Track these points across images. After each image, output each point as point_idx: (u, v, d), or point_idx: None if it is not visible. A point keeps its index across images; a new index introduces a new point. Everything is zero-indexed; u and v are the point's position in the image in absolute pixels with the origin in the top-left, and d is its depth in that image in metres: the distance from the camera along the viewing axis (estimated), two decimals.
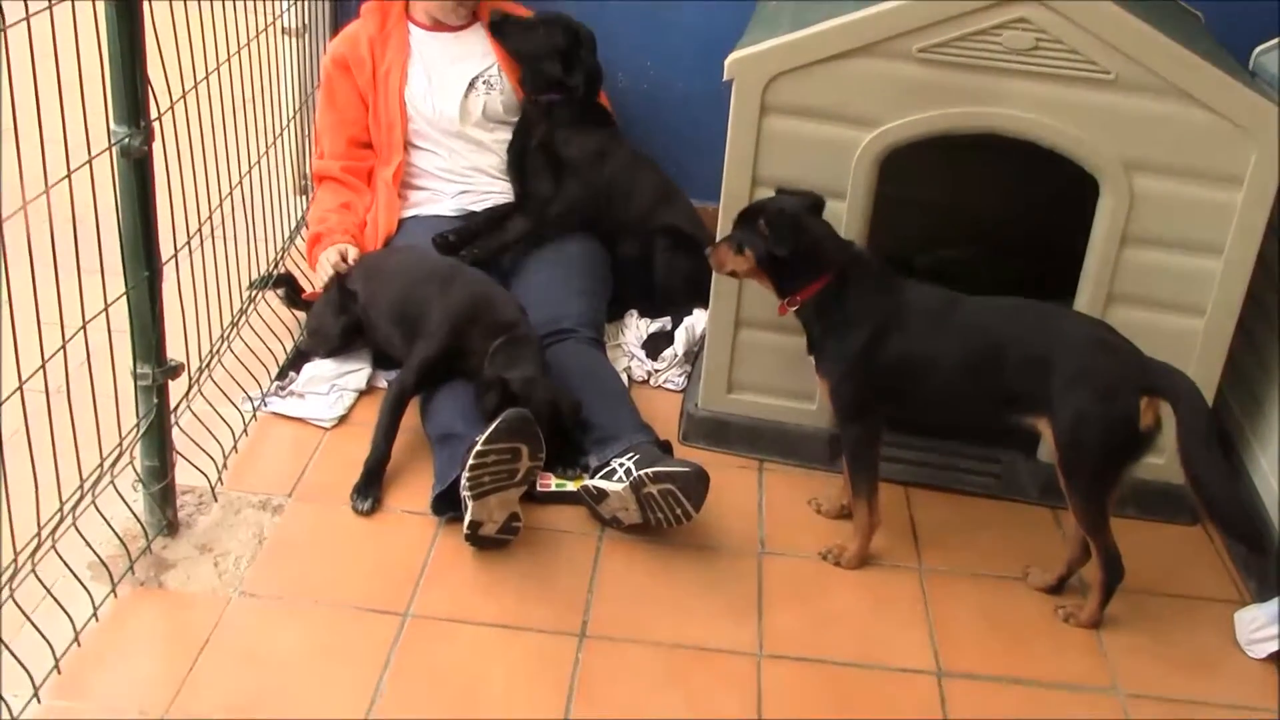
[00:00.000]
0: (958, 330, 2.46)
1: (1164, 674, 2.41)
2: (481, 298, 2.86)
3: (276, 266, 3.36)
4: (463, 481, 2.47)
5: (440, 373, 2.81)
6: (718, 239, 2.62)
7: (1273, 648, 2.42)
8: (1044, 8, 2.47)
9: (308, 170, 3.70)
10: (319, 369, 3.05)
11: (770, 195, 2.61)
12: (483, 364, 2.74)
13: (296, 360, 3.08)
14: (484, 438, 2.44)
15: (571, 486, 2.71)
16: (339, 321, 3.05)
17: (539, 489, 2.70)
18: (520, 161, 3.37)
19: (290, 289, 3.31)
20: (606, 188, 3.35)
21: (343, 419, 2.96)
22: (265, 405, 2.96)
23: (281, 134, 3.41)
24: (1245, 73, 2.82)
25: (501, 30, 3.36)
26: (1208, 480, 2.23)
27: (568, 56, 3.32)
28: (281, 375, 3.03)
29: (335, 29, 3.60)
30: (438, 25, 3.43)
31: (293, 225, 3.62)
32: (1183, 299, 2.66)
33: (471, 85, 3.41)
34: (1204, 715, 2.32)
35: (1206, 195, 2.57)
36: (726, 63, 2.64)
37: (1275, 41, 3.02)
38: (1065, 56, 2.50)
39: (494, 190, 3.43)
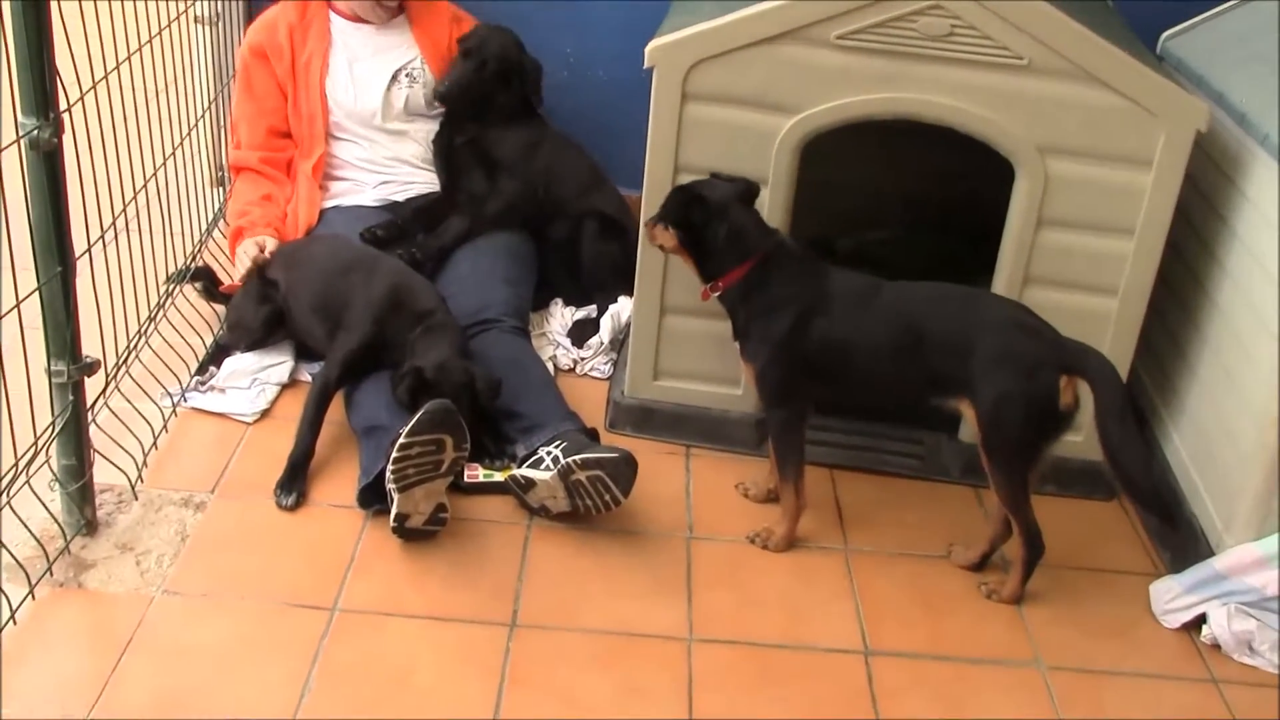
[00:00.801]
0: (880, 314, 2.49)
1: (1084, 645, 2.46)
2: (402, 288, 2.84)
3: (194, 259, 3.31)
4: (388, 474, 2.45)
5: (364, 365, 2.79)
6: (649, 221, 2.64)
7: (1186, 617, 2.49)
8: None
9: (224, 162, 3.65)
10: (240, 363, 3.01)
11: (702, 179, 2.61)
12: (405, 353, 2.73)
13: (217, 354, 3.04)
14: (407, 430, 2.43)
15: (499, 476, 2.70)
16: (260, 312, 3.02)
17: (466, 479, 2.69)
18: (448, 156, 3.35)
19: (208, 282, 3.26)
20: (542, 177, 3.34)
21: (265, 413, 2.92)
22: (185, 401, 2.92)
23: (196, 125, 3.36)
24: (1154, 58, 2.89)
25: (448, 98, 3.31)
26: (1124, 457, 2.28)
27: (514, 81, 3.31)
28: (202, 370, 2.99)
29: (249, 18, 3.54)
30: (359, 18, 3.39)
31: (210, 217, 3.57)
32: (1097, 280, 2.71)
33: (394, 78, 3.37)
34: (1123, 684, 2.38)
35: (1118, 178, 2.62)
36: (646, 50, 2.64)
37: (1182, 26, 3.09)
38: (979, 42, 2.54)
39: (416, 180, 3.41)
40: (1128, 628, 2.53)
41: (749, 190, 2.57)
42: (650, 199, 2.72)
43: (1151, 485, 2.34)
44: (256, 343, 3.04)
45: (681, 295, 2.81)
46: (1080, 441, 2.73)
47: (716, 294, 2.56)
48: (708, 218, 2.50)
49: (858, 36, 2.57)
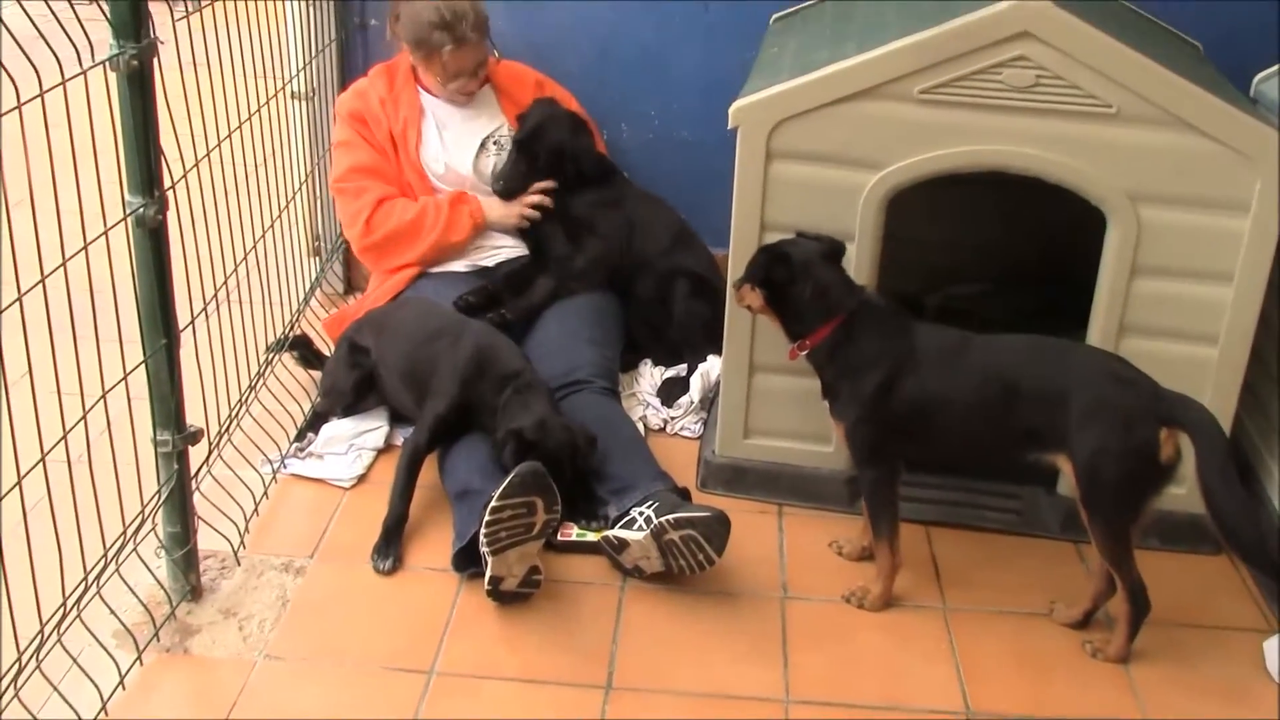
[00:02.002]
0: (971, 369, 2.46)
1: (1194, 705, 2.38)
2: (486, 350, 2.86)
3: (292, 328, 3.39)
4: (481, 537, 2.47)
5: (453, 429, 2.83)
6: (733, 284, 2.65)
7: None
8: (1042, 45, 2.49)
9: (320, 231, 3.74)
10: (337, 429, 3.06)
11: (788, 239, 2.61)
12: (495, 416, 2.76)
13: (314, 421, 3.10)
14: (498, 493, 2.45)
15: (592, 537, 2.71)
16: (351, 376, 3.07)
17: (560, 539, 2.70)
18: (532, 226, 3.40)
19: (305, 350, 3.33)
20: (626, 231, 3.38)
21: (362, 478, 2.97)
22: (285, 467, 2.97)
23: (293, 198, 3.44)
24: (1247, 100, 2.83)
25: (508, 189, 3.37)
26: (1227, 511, 2.21)
27: (560, 164, 3.34)
28: (300, 437, 3.05)
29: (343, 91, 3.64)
30: (449, 98, 3.45)
31: (307, 287, 3.64)
32: (1195, 328, 2.65)
33: (483, 145, 3.44)
34: None
35: (1214, 223, 2.57)
36: (731, 110, 2.66)
37: (1275, 69, 3.03)
38: (1066, 92, 2.52)
39: (505, 245, 3.45)
40: (1239, 687, 2.44)
41: (834, 248, 2.56)
42: (736, 257, 2.73)
43: (1258, 540, 2.26)
44: (349, 407, 3.08)
45: (770, 353, 2.81)
46: (1184, 494, 2.66)
47: (804, 353, 2.55)
48: (792, 277, 2.50)
49: (941, 90, 2.56)
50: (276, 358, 3.24)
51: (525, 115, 3.39)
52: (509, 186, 3.35)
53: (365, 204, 3.33)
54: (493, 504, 2.44)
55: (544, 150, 3.33)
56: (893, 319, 2.53)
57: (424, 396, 2.88)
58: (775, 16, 3.34)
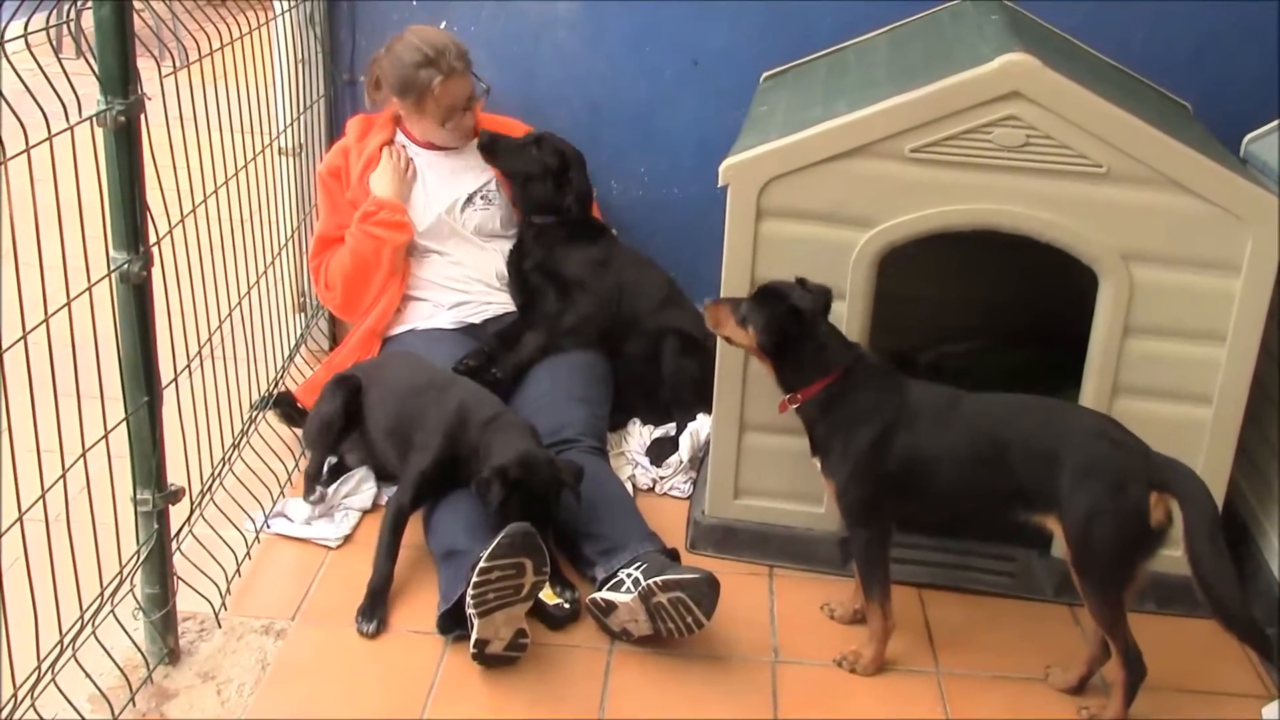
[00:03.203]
0: (963, 428, 2.47)
1: None
2: (468, 402, 2.87)
3: (276, 385, 3.39)
4: (467, 599, 2.46)
5: (437, 485, 2.82)
6: (712, 301, 2.63)
7: None
8: (1032, 104, 2.52)
9: (305, 288, 3.75)
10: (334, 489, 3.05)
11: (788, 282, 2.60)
12: (477, 462, 2.75)
13: (312, 479, 3.04)
14: (486, 554, 2.44)
15: (549, 600, 2.68)
16: (337, 398, 3.02)
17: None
18: (520, 279, 3.44)
19: (289, 407, 3.33)
20: (615, 293, 3.41)
21: (347, 538, 2.96)
22: (269, 527, 2.96)
23: (279, 254, 3.46)
24: (1236, 160, 2.87)
25: (491, 150, 3.44)
26: (1214, 581, 2.21)
27: (558, 177, 3.41)
28: (310, 490, 3.01)
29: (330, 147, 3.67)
30: (433, 145, 3.51)
31: (291, 343, 3.65)
32: (1189, 388, 2.67)
33: (469, 200, 3.49)
34: None
35: (1206, 283, 2.59)
36: (721, 169, 2.68)
37: (1265, 129, 3.08)
38: (1056, 151, 2.55)
39: (492, 301, 3.48)
40: None
41: (828, 300, 2.57)
42: None
43: (1244, 612, 2.25)
44: (342, 432, 3.04)
45: (761, 412, 2.81)
46: (1178, 557, 2.62)
47: (794, 406, 2.56)
48: (799, 331, 2.50)
49: (932, 149, 2.59)
50: (260, 415, 3.23)
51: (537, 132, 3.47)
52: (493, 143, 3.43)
53: (321, 272, 3.46)
54: (480, 565, 2.44)
55: (553, 151, 3.40)
56: (886, 376, 2.55)
57: (408, 452, 2.87)
58: (766, 74, 3.38)
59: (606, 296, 3.40)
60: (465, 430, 2.80)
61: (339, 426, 3.04)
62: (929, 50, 2.92)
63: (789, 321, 2.49)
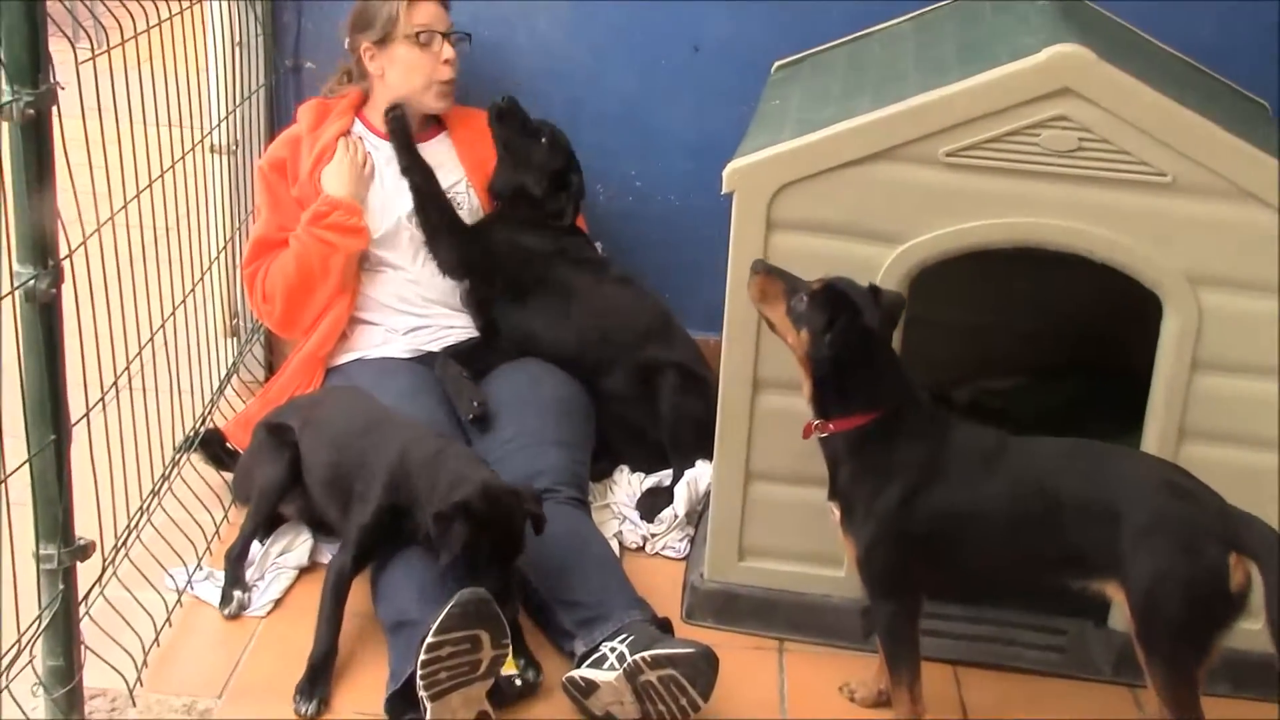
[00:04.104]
0: (1005, 479, 2.47)
1: None
2: (408, 442, 2.84)
3: (204, 422, 3.38)
4: (418, 678, 2.45)
5: (383, 542, 2.81)
6: (765, 269, 2.57)
7: None
8: (1086, 103, 2.53)
9: (238, 308, 3.75)
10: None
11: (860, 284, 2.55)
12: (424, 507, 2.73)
13: (244, 545, 3.01)
14: (435, 626, 2.42)
15: (509, 672, 2.65)
16: (281, 458, 3.02)
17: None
18: (482, 307, 3.50)
19: (217, 448, 3.32)
20: (600, 315, 3.43)
21: (278, 603, 2.95)
22: (192, 588, 2.95)
23: (210, 268, 3.47)
24: None
25: (502, 116, 3.49)
26: None
27: (555, 178, 3.46)
28: (234, 567, 2.97)
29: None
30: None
31: (223, 373, 3.64)
32: (1268, 432, 2.67)
33: None
34: None
35: None
36: (725, 173, 2.69)
37: None
38: (1113, 157, 2.56)
39: (454, 325, 3.50)
40: None
41: (898, 320, 2.57)
42: (733, 345, 2.76)
43: None
44: (284, 495, 3.03)
45: (771, 457, 2.82)
46: (1258, 630, 2.64)
47: (821, 435, 2.55)
48: (859, 352, 2.48)
49: (970, 153, 2.60)
50: (186, 457, 3.23)
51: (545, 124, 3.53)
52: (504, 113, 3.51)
53: (258, 282, 3.45)
54: (429, 640, 2.42)
55: (563, 151, 3.47)
56: (932, 418, 2.55)
57: (349, 506, 2.87)
58: (778, 64, 3.40)
59: (584, 327, 3.43)
60: (408, 474, 2.78)
61: (281, 494, 3.04)
62: (965, 39, 2.94)
63: (852, 337, 2.47)
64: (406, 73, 3.46)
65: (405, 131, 3.44)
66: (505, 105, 3.50)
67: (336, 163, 3.41)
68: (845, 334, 2.45)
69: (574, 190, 3.49)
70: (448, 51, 3.46)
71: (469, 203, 3.54)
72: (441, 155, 3.55)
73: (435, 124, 3.61)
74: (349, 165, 3.41)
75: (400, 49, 3.44)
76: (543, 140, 3.47)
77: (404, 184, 3.46)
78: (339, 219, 3.37)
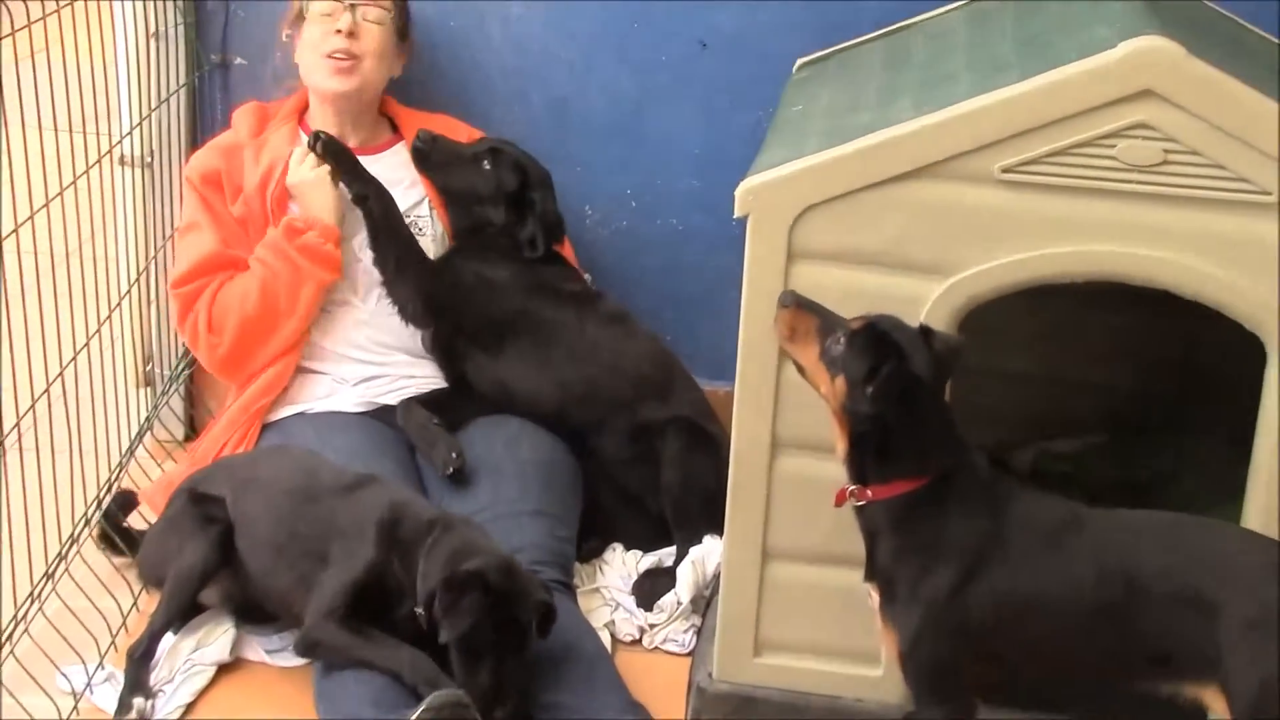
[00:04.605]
0: (1080, 558, 2.43)
1: None
2: (400, 499, 2.92)
3: (110, 489, 3.35)
4: None
5: (361, 611, 2.80)
6: (796, 302, 2.53)
7: None
8: (1173, 108, 2.50)
9: (152, 351, 3.75)
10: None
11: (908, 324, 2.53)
12: (411, 587, 2.76)
13: (152, 639, 2.97)
14: None
15: None
16: (206, 535, 3.00)
17: None
18: (449, 352, 3.49)
19: (113, 521, 3.28)
20: (583, 362, 3.43)
21: (190, 707, 2.92)
22: (90, 693, 2.91)
23: (120, 303, 3.45)
24: None
25: (427, 158, 3.47)
26: None
27: (517, 202, 3.45)
28: (137, 669, 2.93)
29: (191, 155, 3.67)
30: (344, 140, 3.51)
31: (134, 430, 3.63)
32: None
33: None
34: None
35: None
36: (738, 192, 2.65)
37: None
38: (1206, 172, 2.53)
39: (415, 374, 3.50)
40: None
41: (953, 367, 2.53)
42: (747, 396, 2.73)
43: None
44: (206, 579, 3.01)
45: (794, 530, 2.79)
46: None
47: (858, 503, 2.52)
48: (906, 406, 2.45)
49: (1032, 169, 2.57)
50: (88, 532, 3.20)
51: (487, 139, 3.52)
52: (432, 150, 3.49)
53: (202, 307, 3.41)
54: None
55: (512, 166, 3.45)
56: (991, 487, 2.52)
57: (312, 573, 2.89)
58: (801, 61, 3.40)
59: (574, 368, 3.43)
60: (401, 536, 2.83)
61: (207, 577, 3.01)
62: (1026, 33, 2.92)
63: (899, 387, 2.43)
64: (303, 52, 3.50)
65: (345, 153, 3.41)
66: (424, 145, 3.47)
67: (317, 176, 3.38)
68: (891, 383, 2.42)
69: (539, 210, 3.47)
70: (344, 20, 3.45)
71: (432, 229, 3.54)
72: (398, 170, 3.55)
73: (389, 132, 3.60)
74: (329, 182, 3.39)
75: (309, 28, 3.48)
76: (484, 165, 3.46)
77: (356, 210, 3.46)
78: (313, 241, 3.35)
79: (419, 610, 2.72)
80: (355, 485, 2.97)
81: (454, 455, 3.24)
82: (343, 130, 3.51)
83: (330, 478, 3.01)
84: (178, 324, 3.51)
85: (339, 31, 3.44)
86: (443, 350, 3.48)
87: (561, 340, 3.44)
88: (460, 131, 3.59)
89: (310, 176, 3.39)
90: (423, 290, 3.40)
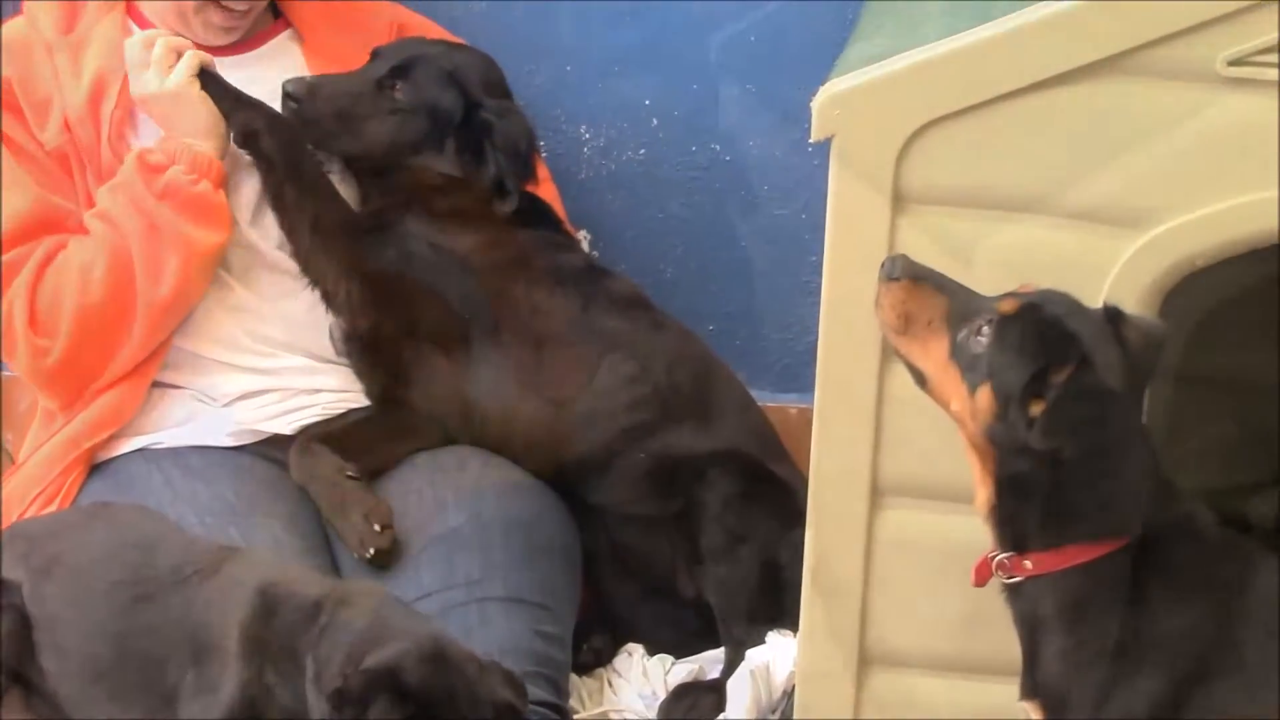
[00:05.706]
0: None
1: None
2: (269, 585, 2.90)
3: None
4: None
5: None
6: (910, 272, 2.52)
7: None
8: None
9: None
10: None
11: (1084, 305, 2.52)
12: (302, 705, 2.80)
13: None
14: None
15: None
16: None
17: None
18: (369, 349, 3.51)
19: None
20: (584, 368, 3.45)
21: None
22: None
23: None
24: None
25: (310, 119, 3.48)
26: None
27: (464, 131, 3.44)
28: None
29: None
30: (197, 41, 3.49)
31: None
32: None
33: None
34: None
35: None
36: (816, 103, 2.64)
37: None
38: None
39: (320, 389, 3.55)
40: None
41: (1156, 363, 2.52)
42: (832, 419, 2.74)
43: None
44: None
45: (907, 623, 2.80)
46: None
47: (1009, 580, 2.46)
48: (1100, 434, 2.40)
49: (1273, 59, 2.49)
50: None
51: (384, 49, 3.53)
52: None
53: (19, 292, 3.39)
54: None
55: (427, 80, 3.46)
56: (1218, 555, 2.48)
57: (158, 706, 2.90)
58: None
59: (570, 378, 3.44)
60: (275, 631, 2.83)
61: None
62: None
63: (1079, 406, 2.40)
64: None
65: (220, 83, 3.40)
66: (296, 97, 3.46)
67: (175, 84, 3.34)
68: (1067, 400, 2.36)
69: (497, 133, 3.45)
70: None
71: (342, 175, 3.56)
72: (274, 65, 3.55)
73: (270, 15, 3.60)
74: (196, 90, 3.36)
75: None
76: (394, 95, 3.47)
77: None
78: (181, 180, 3.32)
79: None
80: (211, 567, 2.97)
81: (376, 528, 3.21)
82: (194, 21, 3.47)
83: (175, 557, 3.01)
84: None
85: None
86: (372, 353, 3.47)
87: (551, 335, 3.43)
88: (377, 18, 3.66)
89: (168, 85, 3.35)
90: (361, 266, 3.40)
